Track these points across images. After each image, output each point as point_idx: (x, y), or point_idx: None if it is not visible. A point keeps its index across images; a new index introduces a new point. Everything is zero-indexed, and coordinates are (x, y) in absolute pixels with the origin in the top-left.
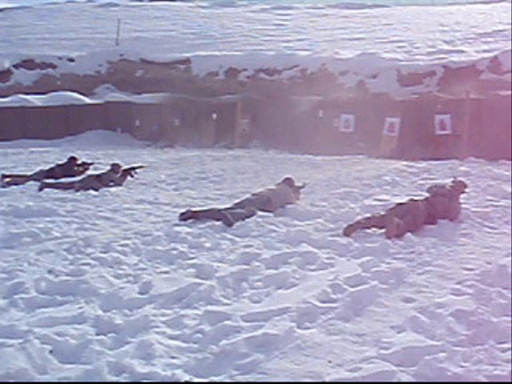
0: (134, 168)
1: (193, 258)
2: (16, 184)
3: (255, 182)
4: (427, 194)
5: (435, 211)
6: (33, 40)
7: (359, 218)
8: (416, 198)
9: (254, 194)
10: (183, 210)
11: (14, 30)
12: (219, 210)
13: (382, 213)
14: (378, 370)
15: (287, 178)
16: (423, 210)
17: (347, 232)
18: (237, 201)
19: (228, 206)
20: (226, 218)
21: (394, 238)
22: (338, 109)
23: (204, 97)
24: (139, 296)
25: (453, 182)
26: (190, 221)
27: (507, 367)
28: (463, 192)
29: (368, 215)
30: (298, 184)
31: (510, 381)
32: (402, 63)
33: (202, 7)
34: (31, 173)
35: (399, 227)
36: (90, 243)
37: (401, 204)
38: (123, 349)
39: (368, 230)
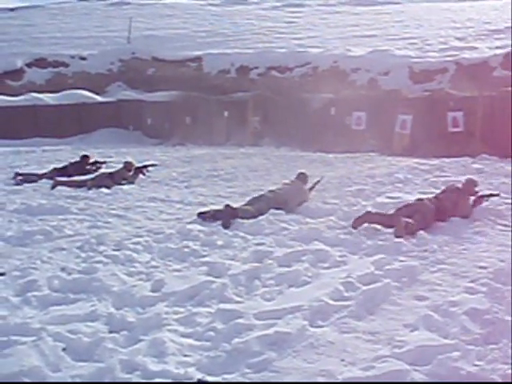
0: (146, 166)
1: (205, 256)
2: (29, 182)
3: (267, 179)
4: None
5: (444, 207)
6: (45, 39)
7: (369, 209)
8: (423, 196)
9: (270, 191)
10: (203, 210)
11: (26, 29)
12: (234, 209)
13: (391, 212)
14: (391, 368)
15: (301, 173)
16: (431, 208)
17: (355, 224)
18: (255, 195)
19: (243, 203)
20: (245, 213)
21: (404, 236)
22: (350, 106)
23: (215, 95)
24: (151, 294)
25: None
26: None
27: None
28: (473, 190)
29: (378, 211)
30: (314, 180)
31: None
32: (414, 60)
33: (213, 5)
34: (44, 171)
35: (408, 227)
36: (103, 241)
37: (408, 205)
38: (136, 347)
39: (379, 227)
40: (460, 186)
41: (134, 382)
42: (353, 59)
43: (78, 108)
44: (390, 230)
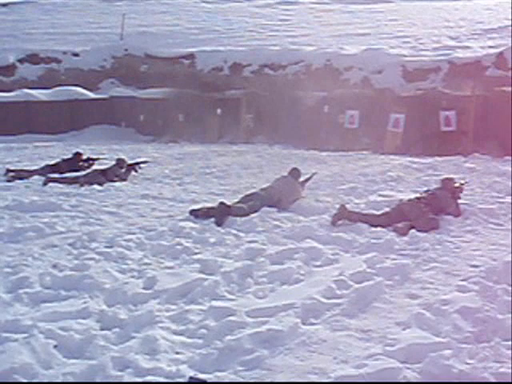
0: (138, 163)
1: (197, 253)
2: (21, 178)
3: (260, 177)
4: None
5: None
6: (37, 35)
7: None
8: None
9: (262, 189)
10: (195, 207)
11: (19, 24)
12: (228, 206)
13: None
14: (383, 366)
15: (294, 169)
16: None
17: (333, 221)
18: (247, 193)
19: (235, 200)
20: (239, 210)
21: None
22: (343, 104)
23: (208, 92)
24: (144, 291)
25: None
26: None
27: None
28: (453, 187)
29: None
30: (306, 176)
31: None
32: (407, 59)
33: (207, 2)
34: (36, 167)
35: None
36: (95, 238)
37: (397, 207)
38: (128, 344)
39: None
40: (439, 187)
41: (126, 382)
42: (346, 57)
43: (70, 104)
44: (381, 229)
